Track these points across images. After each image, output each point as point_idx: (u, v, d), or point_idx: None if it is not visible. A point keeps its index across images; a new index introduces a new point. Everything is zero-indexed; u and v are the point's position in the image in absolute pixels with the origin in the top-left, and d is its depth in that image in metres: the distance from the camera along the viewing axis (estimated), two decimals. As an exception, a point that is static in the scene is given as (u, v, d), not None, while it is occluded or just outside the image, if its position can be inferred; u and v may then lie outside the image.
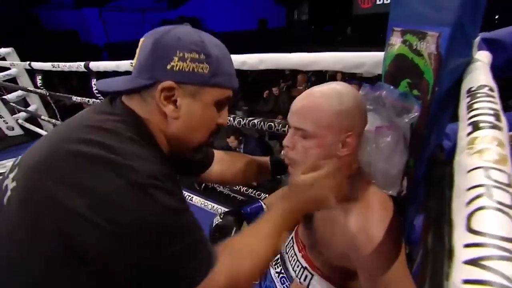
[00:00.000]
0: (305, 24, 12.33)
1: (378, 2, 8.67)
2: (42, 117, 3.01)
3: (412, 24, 0.55)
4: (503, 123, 0.35)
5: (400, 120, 0.60)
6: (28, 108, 3.55)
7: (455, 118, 0.67)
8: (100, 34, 9.80)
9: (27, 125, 3.41)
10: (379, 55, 0.73)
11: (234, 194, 2.24)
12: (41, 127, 3.62)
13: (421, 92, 0.58)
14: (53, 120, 2.75)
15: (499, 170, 0.27)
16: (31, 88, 3.00)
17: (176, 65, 0.45)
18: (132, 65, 1.31)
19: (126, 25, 9.98)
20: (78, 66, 1.66)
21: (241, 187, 1.32)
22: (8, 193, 0.42)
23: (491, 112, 0.37)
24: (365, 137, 0.64)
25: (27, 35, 7.01)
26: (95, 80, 1.65)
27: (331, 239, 0.67)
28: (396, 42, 0.62)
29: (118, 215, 0.37)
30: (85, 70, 1.65)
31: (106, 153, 0.40)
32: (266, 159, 0.92)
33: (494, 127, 0.34)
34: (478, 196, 0.25)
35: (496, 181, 0.26)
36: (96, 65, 1.54)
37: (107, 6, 9.70)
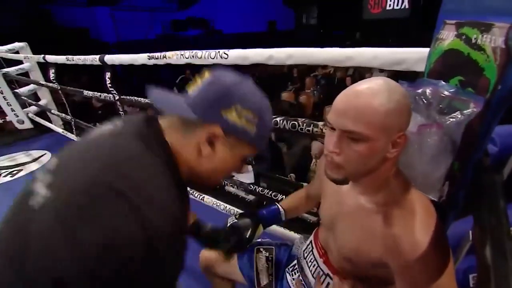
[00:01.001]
0: (314, 28, 12.30)
1: (388, 8, 8.60)
2: (52, 111, 3.00)
3: (472, 16, 0.50)
4: None
5: (447, 119, 0.55)
6: (38, 103, 3.56)
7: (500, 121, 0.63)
8: (110, 33, 9.88)
9: (37, 119, 3.41)
10: (422, 51, 0.68)
11: (243, 195, 2.19)
12: (50, 121, 3.62)
13: (477, 90, 0.53)
14: (63, 114, 2.74)
15: None
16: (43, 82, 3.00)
17: (232, 115, 0.49)
18: (148, 59, 1.28)
19: (136, 24, 10.06)
20: (93, 59, 1.63)
21: (256, 187, 1.28)
22: (40, 199, 0.41)
23: None
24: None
25: (39, 31, 7.08)
26: (109, 73, 1.63)
27: (365, 245, 0.62)
28: (448, 36, 0.57)
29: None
30: (100, 64, 1.63)
31: (133, 196, 0.40)
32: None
33: None
34: None
35: None
36: (111, 59, 1.51)
37: (118, 5, 9.78)
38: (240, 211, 1.08)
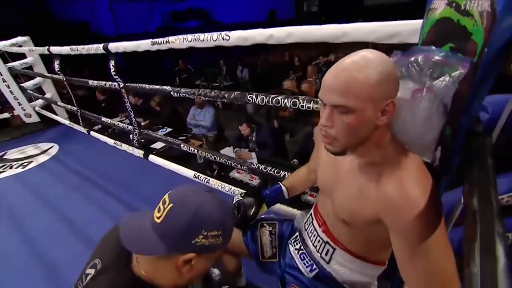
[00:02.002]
0: (315, 16, 12.10)
1: (390, -8, 8.44)
2: (59, 103, 3.06)
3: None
4: None
5: (439, 84, 0.58)
6: (44, 96, 3.62)
7: (492, 91, 0.65)
8: (110, 25, 9.83)
9: (44, 112, 3.48)
10: (415, 23, 0.70)
11: (247, 181, 2.25)
12: (55, 114, 3.68)
13: (466, 55, 0.55)
14: (69, 106, 2.79)
15: None
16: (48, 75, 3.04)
17: (200, 241, 0.55)
18: (152, 44, 1.30)
19: (136, 16, 9.99)
20: (97, 48, 1.66)
21: (261, 166, 1.32)
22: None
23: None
24: (398, 103, 0.63)
25: (39, 26, 7.08)
26: (113, 62, 1.66)
27: (361, 204, 0.66)
28: (439, 5, 0.59)
29: None
30: (103, 53, 1.66)
31: None
32: None
33: None
34: None
35: None
36: (115, 46, 1.53)
37: (117, -3, 9.71)
38: (245, 191, 1.13)
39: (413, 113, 0.63)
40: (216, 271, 1.02)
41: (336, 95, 0.56)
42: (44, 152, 3.37)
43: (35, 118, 3.70)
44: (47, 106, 3.83)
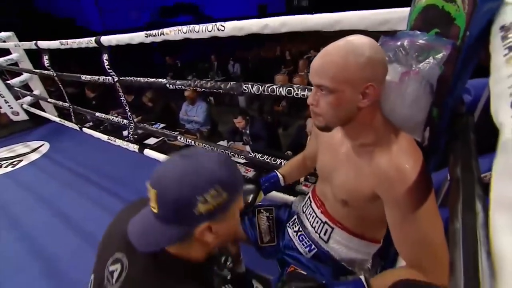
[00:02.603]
0: (306, 10, 12.12)
1: (380, -14, 8.51)
2: (49, 99, 3.00)
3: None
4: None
5: (424, 66, 0.62)
6: (33, 93, 3.54)
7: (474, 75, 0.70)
8: (97, 21, 9.62)
9: (33, 110, 3.41)
10: (403, 11, 0.74)
11: (242, 173, 2.28)
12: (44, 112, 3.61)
13: (450, 39, 0.60)
14: (60, 102, 2.74)
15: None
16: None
17: (203, 209, 0.49)
18: (146, 37, 1.31)
19: (123, 12, 9.79)
20: (88, 41, 1.64)
21: (257, 154, 1.35)
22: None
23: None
24: (388, 86, 0.67)
25: (23, 22, 6.87)
26: (106, 55, 1.65)
27: (359, 183, 0.70)
28: (425, -8, 0.63)
29: None
30: (95, 47, 1.64)
31: None
32: None
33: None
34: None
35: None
36: (108, 39, 1.52)
37: (103, -8, 9.48)
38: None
39: (402, 95, 0.67)
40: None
41: (319, 76, 0.62)
42: (34, 150, 3.31)
43: (23, 116, 3.62)
44: (35, 104, 3.75)
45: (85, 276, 0.59)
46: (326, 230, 0.88)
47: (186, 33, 1.15)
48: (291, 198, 1.36)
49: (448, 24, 0.59)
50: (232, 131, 3.14)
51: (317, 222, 0.90)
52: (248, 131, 3.01)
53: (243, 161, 2.87)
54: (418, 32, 0.64)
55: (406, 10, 0.73)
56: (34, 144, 3.47)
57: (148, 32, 1.29)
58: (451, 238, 0.39)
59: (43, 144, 3.44)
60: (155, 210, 0.51)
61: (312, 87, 1.03)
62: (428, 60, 0.60)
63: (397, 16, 0.75)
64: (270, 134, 3.01)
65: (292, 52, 6.79)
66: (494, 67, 0.41)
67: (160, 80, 1.47)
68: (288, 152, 2.77)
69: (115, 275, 0.54)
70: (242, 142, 3.02)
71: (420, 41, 0.62)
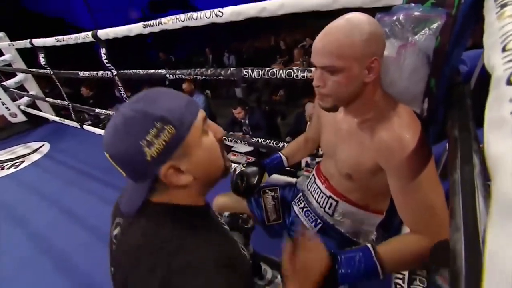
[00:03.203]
0: None
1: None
2: (47, 99, 2.99)
3: None
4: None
5: (420, 37, 0.65)
6: (29, 93, 3.52)
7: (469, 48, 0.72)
8: (87, 19, 9.46)
9: (30, 111, 3.40)
10: (399, -14, 0.76)
11: (243, 163, 2.31)
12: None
13: (446, 8, 0.62)
14: (59, 101, 2.74)
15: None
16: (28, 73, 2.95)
17: (152, 152, 0.45)
18: (144, 27, 1.31)
19: (114, 10, 9.63)
20: (85, 36, 1.63)
21: (259, 139, 1.38)
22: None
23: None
24: (386, 61, 0.69)
25: (12, 22, 6.75)
26: (104, 49, 1.65)
27: (362, 156, 0.73)
28: (420, -35, 0.65)
29: None
30: (93, 40, 1.64)
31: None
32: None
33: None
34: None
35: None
36: (105, 33, 1.51)
37: (92, -10, 9.30)
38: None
39: (400, 68, 0.69)
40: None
41: (324, 57, 0.63)
42: (35, 150, 3.32)
43: (21, 118, 3.61)
44: (32, 105, 3.74)
45: (94, 268, 0.60)
46: (331, 204, 0.91)
47: (184, 21, 1.16)
48: (294, 180, 1.39)
49: (443, -6, 0.61)
50: (231, 122, 3.16)
51: (321, 197, 0.94)
52: (247, 121, 3.03)
53: (244, 150, 2.90)
54: (413, 5, 0.66)
55: (402, -16, 0.74)
56: (35, 145, 3.47)
57: (146, 22, 1.29)
58: (451, 188, 0.42)
59: (43, 145, 3.44)
60: (124, 174, 0.50)
61: (312, 68, 1.06)
62: (423, 31, 0.62)
63: (393, -9, 0.76)
64: (269, 123, 3.04)
65: (287, 42, 6.76)
66: (487, 25, 0.43)
67: (160, 70, 1.48)
68: (288, 138, 2.81)
69: (117, 237, 0.56)
70: (242, 133, 3.04)
71: (416, 13, 0.64)
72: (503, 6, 0.40)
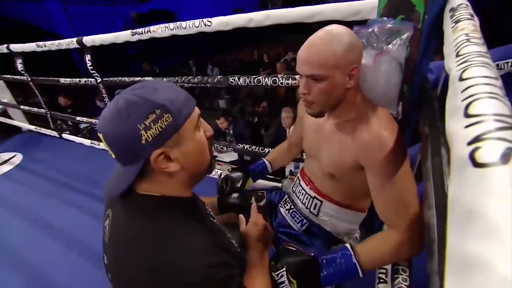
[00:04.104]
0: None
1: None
2: (22, 107, 2.86)
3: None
4: (476, 19, 0.48)
5: (393, 47, 0.72)
6: (2, 101, 3.35)
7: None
8: (67, 29, 9.24)
9: (2, 119, 3.22)
10: (373, 1, 0.84)
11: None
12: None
13: (413, 22, 0.70)
14: (35, 109, 2.63)
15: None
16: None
17: (148, 135, 0.48)
18: (132, 35, 1.33)
19: (95, 19, 9.49)
20: (69, 42, 1.61)
21: (245, 145, 1.41)
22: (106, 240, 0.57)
23: (468, 15, 0.49)
24: (364, 68, 0.76)
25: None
26: (89, 56, 1.64)
27: (343, 155, 0.77)
28: (390, -16, 0.74)
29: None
30: (78, 47, 1.63)
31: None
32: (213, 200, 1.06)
33: (470, 18, 0.47)
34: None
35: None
36: (92, 39, 1.51)
37: (71, -1, 9.15)
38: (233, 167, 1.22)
39: (376, 74, 0.77)
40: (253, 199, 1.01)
41: (308, 67, 0.69)
42: (5, 162, 3.12)
43: (-9, 127, 3.41)
44: (2, 115, 3.55)
45: (72, 280, 0.59)
46: (316, 204, 0.95)
47: (173, 29, 1.19)
48: (279, 184, 1.43)
49: (410, 11, 0.70)
50: (216, 133, 3.18)
51: (306, 198, 0.97)
52: (231, 131, 3.06)
53: (228, 160, 2.91)
54: (386, 18, 0.74)
55: (375, 0, 0.83)
56: (4, 155, 3.27)
57: (135, 30, 1.31)
58: (424, 175, 0.47)
59: (14, 155, 3.24)
60: (112, 156, 0.52)
61: (296, 76, 1.13)
62: (395, 41, 0.70)
63: (368, 7, 0.85)
64: (253, 133, 3.09)
65: (270, 55, 6.96)
66: (446, 38, 0.51)
67: (146, 78, 1.49)
68: (271, 149, 2.87)
69: (107, 228, 0.58)
70: (225, 143, 3.06)
71: (388, 25, 0.72)
72: (456, 21, 0.48)
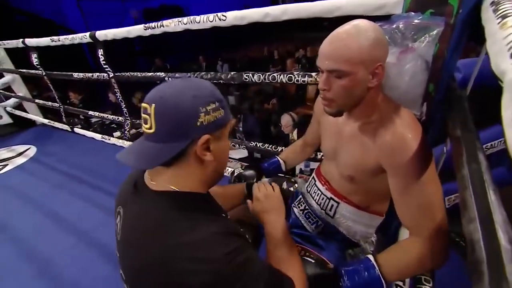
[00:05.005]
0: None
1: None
2: (37, 100, 2.90)
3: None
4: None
5: (420, 44, 0.68)
6: (18, 94, 3.42)
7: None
8: (80, 24, 9.35)
9: (18, 113, 3.28)
10: (399, -4, 0.80)
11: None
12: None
13: (445, 17, 0.65)
14: (49, 103, 2.67)
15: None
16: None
17: (204, 119, 0.51)
18: (145, 29, 1.31)
19: (107, 15, 9.57)
20: (82, 37, 1.62)
21: (257, 143, 1.38)
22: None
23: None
24: (387, 66, 0.71)
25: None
26: (101, 50, 1.64)
27: (364, 158, 0.74)
28: (420, -24, 0.69)
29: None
30: (91, 41, 1.63)
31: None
32: (240, 186, 1.00)
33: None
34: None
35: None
36: (104, 34, 1.50)
37: (84, -5, 9.24)
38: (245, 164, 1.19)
39: (400, 73, 0.72)
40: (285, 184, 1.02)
41: (331, 61, 0.65)
42: (20, 154, 3.19)
43: (6, 120, 3.49)
44: (19, 108, 3.62)
45: (81, 274, 0.58)
46: (332, 205, 0.91)
47: (186, 24, 1.17)
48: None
49: (442, 4, 0.65)
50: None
51: (322, 199, 0.94)
52: (241, 128, 3.04)
53: (238, 157, 2.89)
54: (413, 14, 0.70)
55: (402, -6, 0.78)
56: (20, 148, 3.34)
57: (147, 24, 1.29)
58: (460, 183, 0.44)
59: (29, 148, 3.32)
60: (151, 131, 0.51)
61: (313, 73, 1.09)
62: (423, 38, 0.65)
63: (393, 1, 0.80)
64: (263, 130, 3.06)
65: (280, 52, 6.89)
66: (489, 34, 0.46)
67: (158, 74, 1.47)
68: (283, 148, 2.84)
69: (119, 226, 0.59)
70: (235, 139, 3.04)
71: (416, 21, 0.67)
72: (504, 17, 0.43)
